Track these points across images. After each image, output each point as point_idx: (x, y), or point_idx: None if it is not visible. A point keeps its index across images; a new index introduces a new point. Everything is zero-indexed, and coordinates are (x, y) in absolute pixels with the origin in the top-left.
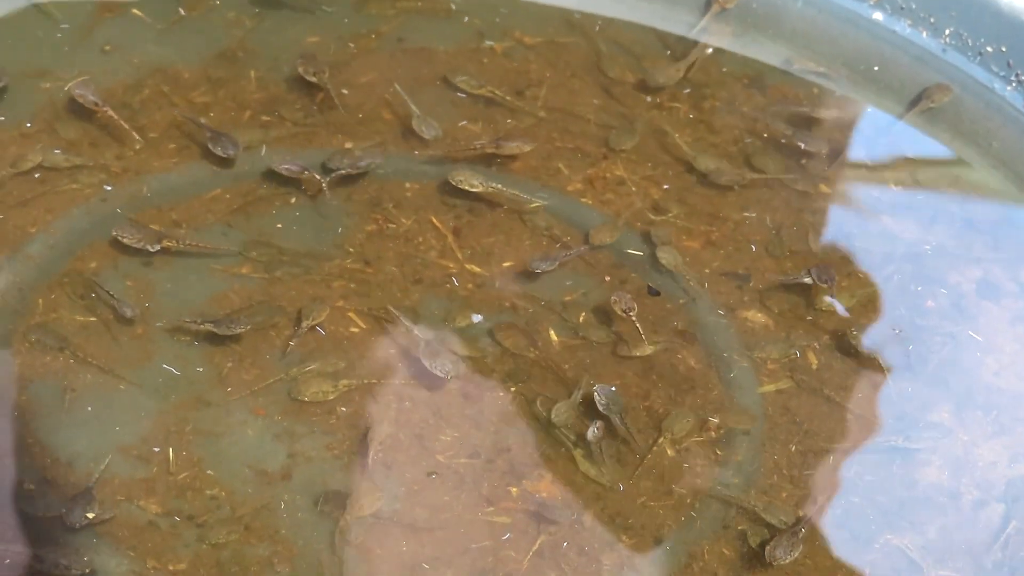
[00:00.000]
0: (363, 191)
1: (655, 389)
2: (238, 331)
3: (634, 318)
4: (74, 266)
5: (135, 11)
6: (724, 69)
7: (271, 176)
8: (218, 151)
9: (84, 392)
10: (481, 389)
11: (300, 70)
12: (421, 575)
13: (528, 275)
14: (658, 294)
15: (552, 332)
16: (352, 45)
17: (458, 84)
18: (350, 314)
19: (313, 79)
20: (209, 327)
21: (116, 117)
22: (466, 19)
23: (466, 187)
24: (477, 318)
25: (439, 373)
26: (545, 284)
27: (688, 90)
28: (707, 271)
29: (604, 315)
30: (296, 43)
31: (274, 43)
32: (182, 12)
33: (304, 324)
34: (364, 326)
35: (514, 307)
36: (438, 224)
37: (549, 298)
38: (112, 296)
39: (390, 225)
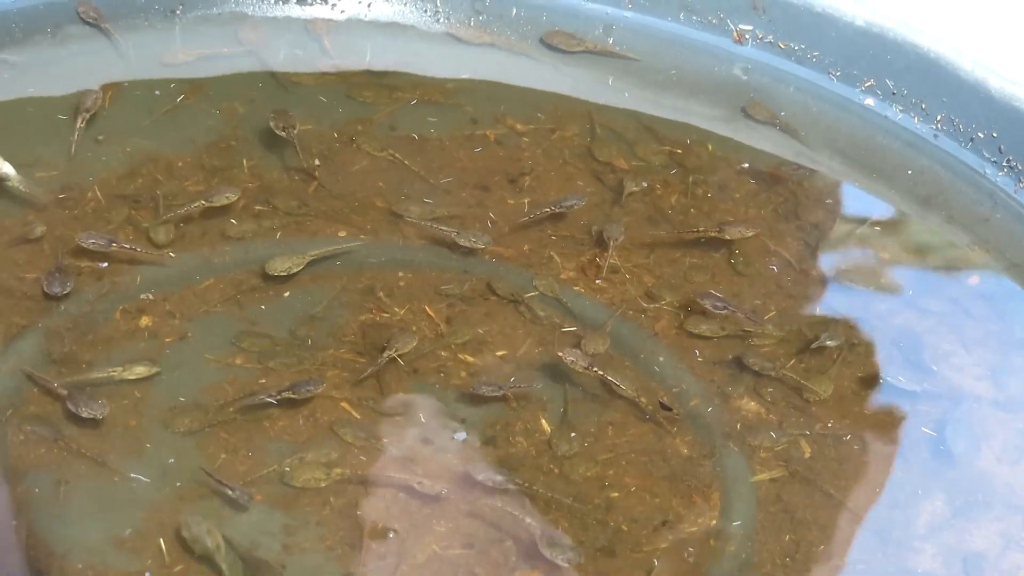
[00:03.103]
0: (356, 280)
1: (647, 479)
2: (315, 391)
3: (598, 371)
4: (68, 356)
5: (129, 100)
6: (716, 154)
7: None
8: (45, 286)
9: (79, 484)
10: (475, 479)
11: (271, 124)
12: None
13: (520, 366)
14: (670, 410)
15: (543, 420)
16: (345, 133)
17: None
18: (343, 404)
19: (283, 134)
20: (288, 394)
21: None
22: (458, 107)
23: (283, 273)
24: (461, 436)
25: (561, 563)
26: (536, 375)
27: (674, 171)
28: (700, 359)
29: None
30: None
31: (267, 132)
32: (176, 101)
33: (386, 354)
34: (358, 416)
35: (505, 397)
36: (431, 313)
37: (541, 388)
38: (223, 484)
39: (383, 315)
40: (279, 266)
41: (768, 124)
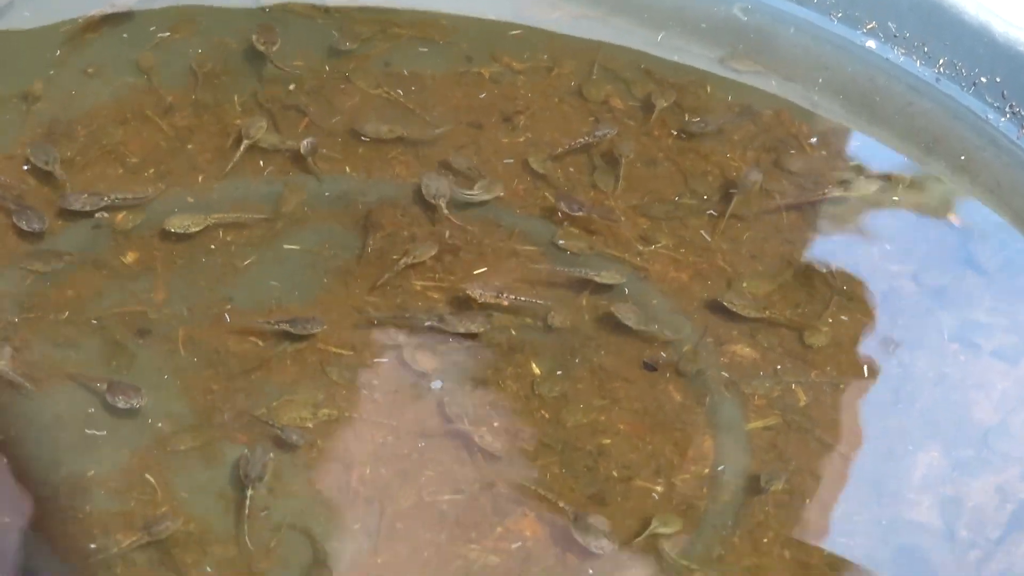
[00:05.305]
0: (354, 217)
1: (639, 425)
2: (314, 331)
3: (512, 296)
4: (59, 294)
5: (120, 33)
6: (714, 95)
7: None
8: (23, 225)
9: (68, 421)
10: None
11: (254, 38)
12: None
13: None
14: (655, 369)
15: (533, 364)
16: (338, 70)
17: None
18: (332, 348)
19: (261, 48)
20: (285, 327)
21: None
22: (454, 44)
23: (181, 230)
24: (437, 384)
25: (594, 550)
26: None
27: (672, 111)
28: (695, 303)
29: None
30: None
31: (259, 66)
32: (167, 34)
33: (403, 261)
34: (350, 353)
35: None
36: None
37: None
38: (275, 426)
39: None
40: (178, 223)
41: (753, 72)
